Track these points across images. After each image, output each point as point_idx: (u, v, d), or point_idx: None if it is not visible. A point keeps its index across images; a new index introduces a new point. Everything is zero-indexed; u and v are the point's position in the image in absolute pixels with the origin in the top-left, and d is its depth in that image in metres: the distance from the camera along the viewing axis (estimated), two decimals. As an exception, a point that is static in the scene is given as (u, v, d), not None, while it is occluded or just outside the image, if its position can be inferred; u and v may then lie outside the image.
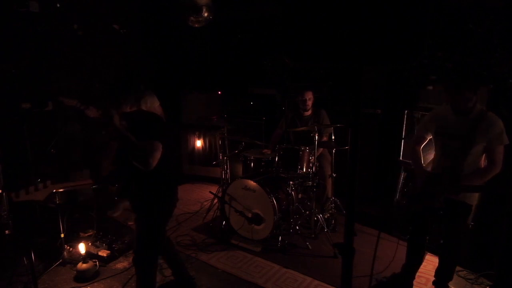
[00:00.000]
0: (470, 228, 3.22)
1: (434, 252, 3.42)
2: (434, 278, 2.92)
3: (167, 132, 2.49)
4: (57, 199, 3.35)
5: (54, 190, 2.16)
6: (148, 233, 2.46)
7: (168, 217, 2.60)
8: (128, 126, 2.29)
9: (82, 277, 3.09)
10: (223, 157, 4.38)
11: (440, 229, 2.85)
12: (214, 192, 4.12)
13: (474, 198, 2.64)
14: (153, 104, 4.09)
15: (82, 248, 3.33)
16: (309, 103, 4.25)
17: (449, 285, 2.90)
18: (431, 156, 2.98)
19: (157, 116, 2.48)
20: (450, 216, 2.62)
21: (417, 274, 3.20)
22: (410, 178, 2.91)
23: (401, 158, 4.01)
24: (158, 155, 2.23)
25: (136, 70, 4.71)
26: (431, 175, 2.67)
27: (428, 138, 2.87)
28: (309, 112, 4.33)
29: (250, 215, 3.72)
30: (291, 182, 3.84)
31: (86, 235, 3.64)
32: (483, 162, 2.61)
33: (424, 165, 2.87)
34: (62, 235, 3.31)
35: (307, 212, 4.02)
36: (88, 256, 3.28)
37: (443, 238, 2.75)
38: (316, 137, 3.72)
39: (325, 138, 4.32)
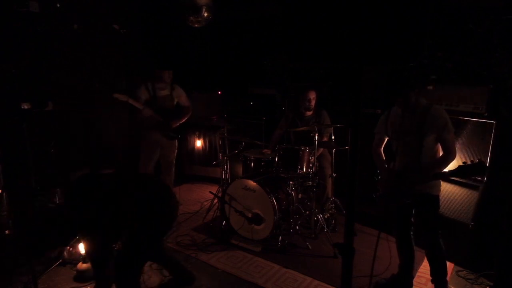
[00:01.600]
0: (470, 228, 3.23)
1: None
2: (431, 278, 2.93)
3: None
4: (57, 199, 3.35)
5: None
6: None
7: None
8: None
9: (82, 277, 3.09)
10: (223, 157, 4.38)
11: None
12: (214, 192, 4.12)
13: (437, 189, 2.75)
14: (182, 95, 4.44)
15: (82, 248, 3.33)
16: (313, 102, 4.24)
17: (449, 285, 2.90)
18: None
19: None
20: (421, 209, 2.79)
21: (417, 274, 3.21)
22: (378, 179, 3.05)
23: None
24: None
25: (136, 70, 4.71)
26: (395, 173, 2.81)
27: (386, 139, 3.01)
28: (311, 112, 4.32)
29: (250, 215, 3.72)
30: (291, 182, 3.84)
31: (86, 235, 3.63)
32: (439, 152, 2.74)
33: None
34: (62, 235, 3.31)
35: (307, 212, 4.02)
36: (88, 256, 3.28)
37: (423, 234, 2.84)
38: (316, 137, 3.72)
39: (325, 139, 4.32)
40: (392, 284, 3.03)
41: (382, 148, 3.07)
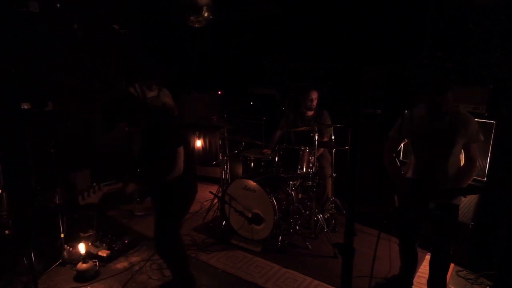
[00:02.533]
0: (470, 228, 3.23)
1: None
2: (427, 285, 2.87)
3: (185, 134, 2.74)
4: (57, 199, 3.35)
5: (105, 191, 2.27)
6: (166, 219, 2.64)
7: (182, 205, 2.76)
8: (151, 128, 2.52)
9: (82, 277, 3.09)
10: (223, 157, 4.38)
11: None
12: (214, 192, 4.12)
13: (459, 198, 2.62)
14: (168, 96, 4.33)
15: (82, 248, 3.33)
16: (315, 102, 4.25)
17: (449, 285, 2.90)
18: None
19: (180, 119, 2.63)
20: (440, 219, 2.60)
21: (417, 274, 3.20)
22: (392, 189, 2.83)
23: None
24: (182, 158, 2.46)
25: (136, 69, 4.72)
26: (416, 182, 2.63)
27: (402, 144, 2.84)
28: (312, 112, 4.33)
29: (250, 215, 3.72)
30: (291, 182, 3.84)
31: (86, 235, 3.63)
32: (461, 160, 2.62)
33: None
34: (62, 235, 3.31)
35: (307, 212, 4.02)
36: (88, 256, 3.28)
37: (433, 242, 2.71)
38: (316, 137, 3.72)
39: (325, 139, 4.32)
40: (393, 285, 3.02)
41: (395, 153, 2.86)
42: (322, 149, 4.22)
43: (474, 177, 3.30)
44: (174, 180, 2.48)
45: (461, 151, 2.58)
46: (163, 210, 2.63)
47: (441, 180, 2.54)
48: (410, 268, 2.93)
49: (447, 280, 2.84)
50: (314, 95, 4.22)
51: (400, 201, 2.72)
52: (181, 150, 2.47)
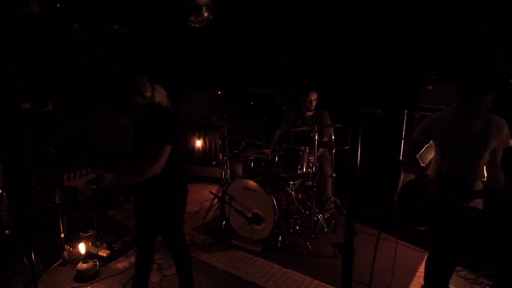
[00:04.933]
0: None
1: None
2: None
3: (176, 131, 2.55)
4: (57, 199, 3.35)
5: (92, 178, 2.16)
6: (173, 223, 2.56)
7: (182, 208, 2.65)
8: (143, 122, 2.39)
9: (82, 277, 3.09)
10: (223, 157, 4.38)
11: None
12: (214, 192, 4.12)
13: (482, 202, 2.55)
14: (163, 95, 4.41)
15: (82, 248, 3.33)
16: (314, 103, 4.25)
17: (449, 285, 2.90)
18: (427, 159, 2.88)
19: (171, 116, 2.54)
20: (462, 223, 2.50)
21: (417, 273, 3.20)
22: (414, 191, 2.70)
23: (401, 158, 4.01)
24: (166, 157, 2.31)
25: (136, 69, 4.71)
26: (447, 183, 2.53)
27: (426, 145, 2.74)
28: (311, 113, 4.33)
29: (250, 215, 3.72)
30: (291, 182, 3.84)
31: (86, 235, 3.64)
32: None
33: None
34: (62, 235, 3.31)
35: (307, 212, 4.02)
36: (88, 256, 3.28)
37: (445, 245, 2.58)
38: (316, 137, 3.72)
39: (325, 139, 4.32)
40: None
41: (418, 155, 2.77)
42: (322, 149, 4.22)
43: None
44: (159, 180, 2.36)
45: (496, 154, 2.49)
46: (148, 211, 2.57)
47: (471, 182, 2.47)
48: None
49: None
50: (314, 96, 4.22)
51: (426, 202, 2.61)
52: (167, 148, 2.32)
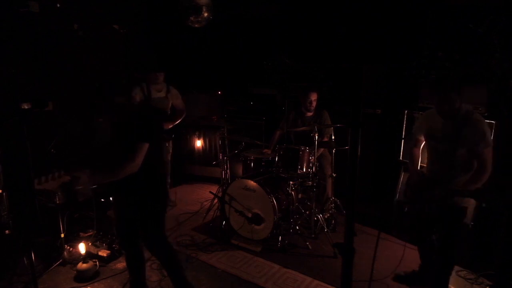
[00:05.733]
0: (469, 228, 3.22)
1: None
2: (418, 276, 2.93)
3: (156, 131, 2.55)
4: (57, 199, 3.34)
5: (66, 181, 2.16)
6: (152, 220, 2.54)
7: (163, 210, 2.62)
8: (120, 122, 2.38)
9: (82, 277, 3.10)
10: (223, 157, 4.38)
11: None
12: (214, 192, 4.12)
13: (465, 200, 2.55)
14: (177, 97, 4.47)
15: (82, 248, 3.33)
16: (314, 104, 4.26)
17: (449, 285, 2.90)
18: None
19: (150, 116, 2.52)
20: (444, 221, 2.59)
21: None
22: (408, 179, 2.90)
23: (401, 158, 4.01)
24: (143, 155, 2.30)
25: (154, 68, 4.70)
26: (423, 178, 2.64)
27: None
28: (311, 113, 4.33)
29: (250, 215, 3.72)
30: (291, 182, 3.84)
31: (86, 235, 3.63)
32: (475, 164, 2.54)
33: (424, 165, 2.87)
34: (62, 235, 3.31)
35: (307, 212, 4.02)
36: (88, 256, 3.28)
37: (437, 244, 2.70)
38: (316, 137, 3.72)
39: (325, 139, 4.32)
40: (412, 279, 3.02)
41: (420, 149, 2.88)
42: (322, 149, 4.22)
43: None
44: (137, 178, 2.34)
45: (471, 157, 2.50)
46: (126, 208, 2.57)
47: (447, 180, 2.50)
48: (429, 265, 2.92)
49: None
50: (314, 97, 4.22)
51: (408, 192, 2.73)
52: (144, 145, 2.28)
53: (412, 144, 2.91)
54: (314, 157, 3.79)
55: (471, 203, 2.61)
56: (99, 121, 2.48)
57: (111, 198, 2.67)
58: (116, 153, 2.40)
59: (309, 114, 4.34)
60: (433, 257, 2.81)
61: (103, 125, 2.48)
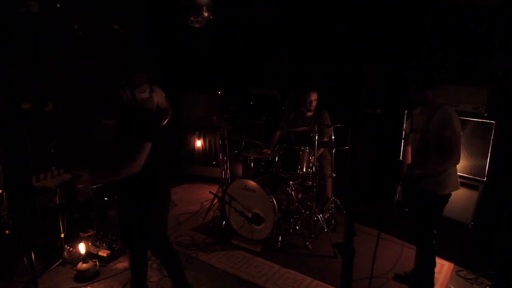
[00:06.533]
0: (470, 228, 3.23)
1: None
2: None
3: (158, 130, 2.53)
4: (57, 199, 3.34)
5: (66, 179, 2.12)
6: (144, 223, 2.49)
7: (162, 211, 2.61)
8: (123, 121, 2.37)
9: (82, 277, 3.09)
10: (223, 157, 4.38)
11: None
12: (214, 192, 4.12)
13: (442, 187, 2.70)
14: (161, 96, 4.40)
15: (82, 248, 3.33)
16: (314, 103, 4.26)
17: (449, 285, 2.91)
18: None
19: (152, 115, 2.51)
20: (420, 206, 2.81)
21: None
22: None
23: (401, 158, 4.00)
24: (145, 154, 2.29)
25: (137, 68, 4.71)
26: (407, 167, 2.88)
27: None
28: (311, 113, 4.34)
29: (250, 215, 3.72)
30: (291, 182, 3.84)
31: (86, 235, 3.64)
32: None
33: None
34: (62, 235, 3.31)
35: (307, 212, 4.02)
36: (88, 256, 3.28)
37: (416, 230, 2.90)
38: (316, 137, 3.72)
39: (325, 139, 4.32)
40: (412, 278, 3.05)
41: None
42: (322, 149, 4.22)
43: (474, 177, 3.32)
44: (138, 178, 2.32)
45: (442, 145, 2.65)
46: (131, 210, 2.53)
47: (422, 167, 2.71)
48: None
49: (448, 275, 2.86)
50: (314, 97, 4.22)
51: (400, 186, 3.03)
52: (146, 145, 2.27)
53: (405, 142, 3.13)
54: (314, 157, 3.79)
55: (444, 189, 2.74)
56: (102, 121, 2.46)
57: (115, 197, 2.65)
58: (118, 152, 2.39)
59: (309, 114, 4.34)
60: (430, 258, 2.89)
61: (105, 124, 2.46)
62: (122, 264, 3.35)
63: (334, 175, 4.12)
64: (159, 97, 4.39)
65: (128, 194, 2.49)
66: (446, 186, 2.71)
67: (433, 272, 2.86)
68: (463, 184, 3.35)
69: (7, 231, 3.38)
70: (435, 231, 2.76)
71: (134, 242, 2.62)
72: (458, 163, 2.68)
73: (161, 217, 2.60)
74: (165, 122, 4.38)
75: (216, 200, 4.30)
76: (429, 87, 2.67)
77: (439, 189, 2.70)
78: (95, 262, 3.19)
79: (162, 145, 2.48)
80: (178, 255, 2.78)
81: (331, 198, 4.20)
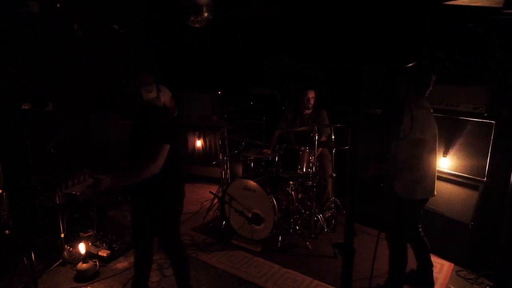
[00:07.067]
0: (470, 228, 3.23)
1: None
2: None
3: (176, 132, 2.56)
4: (57, 199, 3.34)
5: (89, 184, 2.11)
6: (167, 224, 2.54)
7: (178, 209, 2.63)
8: (141, 123, 2.39)
9: (82, 277, 3.10)
10: (223, 157, 4.38)
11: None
12: (214, 192, 4.12)
13: (407, 191, 2.67)
14: (168, 96, 4.43)
15: (82, 248, 3.33)
16: (312, 101, 4.29)
17: (449, 285, 2.91)
18: None
19: (169, 116, 2.52)
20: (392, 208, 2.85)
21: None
22: None
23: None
24: (164, 156, 2.30)
25: (146, 69, 4.72)
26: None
27: None
28: (309, 111, 4.36)
29: (250, 215, 3.72)
30: (291, 182, 3.84)
31: (86, 235, 3.64)
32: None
33: None
34: (62, 235, 3.31)
35: (307, 212, 4.02)
36: (88, 256, 3.28)
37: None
38: (316, 137, 3.72)
39: (323, 138, 4.33)
40: (412, 278, 3.06)
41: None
42: (321, 149, 4.23)
43: (474, 177, 3.31)
44: (153, 180, 2.33)
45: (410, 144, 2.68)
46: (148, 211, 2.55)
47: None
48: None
49: (448, 275, 2.86)
50: (311, 94, 4.25)
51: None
52: (165, 147, 2.30)
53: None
54: (314, 157, 3.80)
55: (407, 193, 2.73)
56: (119, 122, 2.47)
57: (129, 198, 2.66)
58: (136, 154, 2.40)
59: (307, 111, 4.36)
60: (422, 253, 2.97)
61: (127, 126, 2.47)
62: (122, 264, 3.35)
63: (334, 175, 4.12)
64: (165, 97, 4.41)
65: (143, 195, 2.50)
66: (416, 191, 2.64)
67: (431, 272, 2.87)
68: (463, 184, 3.36)
69: (7, 231, 3.38)
70: (405, 235, 2.79)
71: (144, 243, 2.63)
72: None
73: (175, 218, 2.61)
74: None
75: (216, 200, 4.30)
76: (415, 88, 2.78)
77: (408, 193, 2.66)
78: (95, 262, 3.19)
79: (177, 146, 2.49)
80: (187, 258, 2.77)
81: (331, 198, 4.20)
